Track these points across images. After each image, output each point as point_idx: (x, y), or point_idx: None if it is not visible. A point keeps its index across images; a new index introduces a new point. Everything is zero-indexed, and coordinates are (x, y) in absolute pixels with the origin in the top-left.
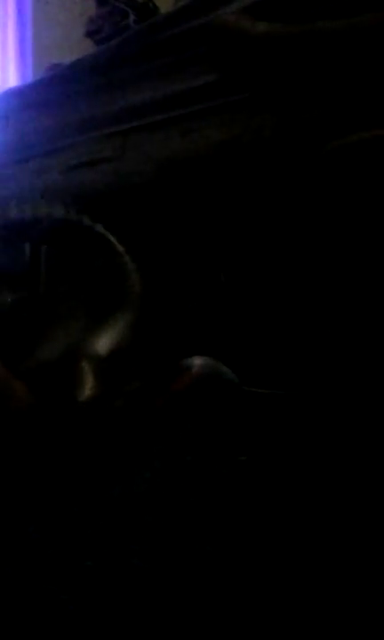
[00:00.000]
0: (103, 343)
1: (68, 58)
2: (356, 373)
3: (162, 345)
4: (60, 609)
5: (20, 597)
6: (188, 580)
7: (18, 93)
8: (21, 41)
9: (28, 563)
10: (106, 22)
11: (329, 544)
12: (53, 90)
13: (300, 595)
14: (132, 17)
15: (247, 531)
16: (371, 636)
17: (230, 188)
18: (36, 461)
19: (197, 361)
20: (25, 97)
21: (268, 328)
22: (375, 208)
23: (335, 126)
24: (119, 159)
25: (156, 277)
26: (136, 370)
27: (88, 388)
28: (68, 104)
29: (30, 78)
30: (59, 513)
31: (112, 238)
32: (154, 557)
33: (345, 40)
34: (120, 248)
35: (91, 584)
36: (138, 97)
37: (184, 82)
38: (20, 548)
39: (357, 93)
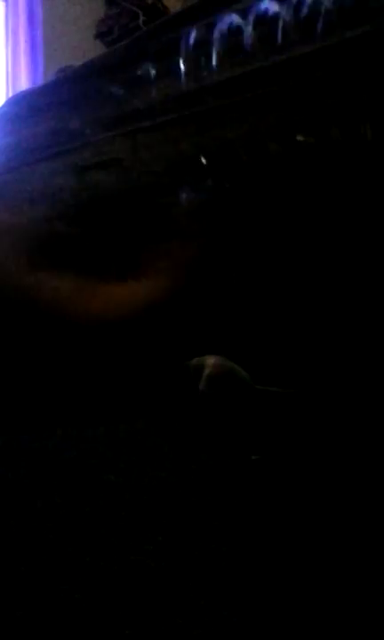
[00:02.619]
0: None
1: (78, 60)
2: (366, 374)
3: (177, 344)
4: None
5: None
6: (200, 577)
7: (29, 96)
8: (32, 44)
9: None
10: (115, 24)
11: (338, 541)
12: (64, 92)
13: (305, 589)
14: (141, 18)
15: (258, 528)
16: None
17: (242, 188)
18: None
19: (211, 360)
20: (36, 99)
21: (281, 328)
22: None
23: (340, 123)
24: (130, 160)
25: (168, 276)
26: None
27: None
28: (78, 105)
29: (42, 81)
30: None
31: None
32: (167, 557)
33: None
34: None
35: (104, 584)
36: (148, 97)
37: (194, 82)
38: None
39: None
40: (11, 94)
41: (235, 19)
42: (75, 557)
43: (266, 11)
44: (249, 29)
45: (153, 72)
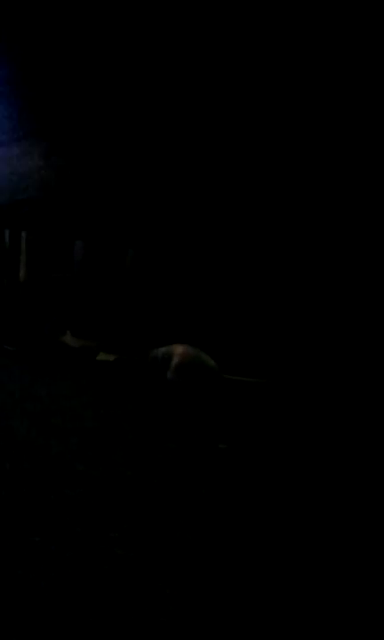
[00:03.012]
0: None
1: None
2: (336, 362)
3: (145, 332)
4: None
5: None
6: (165, 564)
7: None
8: None
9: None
10: None
11: (301, 526)
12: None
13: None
14: None
15: (224, 516)
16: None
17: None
18: None
19: (179, 349)
20: None
21: (249, 317)
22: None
23: None
24: None
25: (137, 264)
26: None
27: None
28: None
29: None
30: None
31: None
32: (133, 544)
33: None
34: None
35: (70, 572)
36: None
37: None
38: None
39: None
40: None
41: None
42: (40, 546)
43: None
44: None
45: None
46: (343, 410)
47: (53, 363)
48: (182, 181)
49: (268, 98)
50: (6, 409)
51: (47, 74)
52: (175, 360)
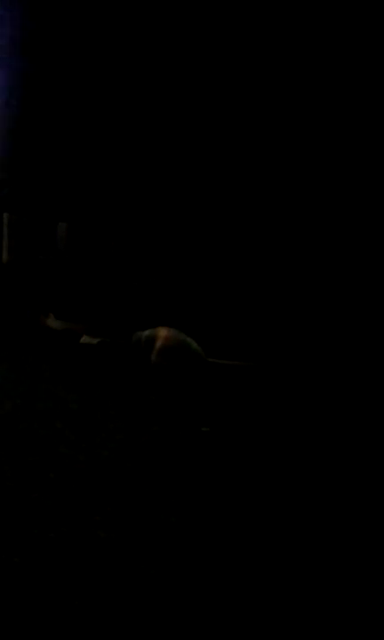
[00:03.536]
0: None
1: None
2: (319, 347)
3: (129, 315)
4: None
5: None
6: (147, 547)
7: None
8: None
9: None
10: None
11: (289, 513)
12: None
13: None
14: None
15: (206, 500)
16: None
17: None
18: None
19: (163, 332)
20: None
21: (234, 301)
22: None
23: None
24: None
25: (127, 248)
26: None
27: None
28: None
29: None
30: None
31: None
32: (115, 527)
33: None
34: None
35: (53, 554)
36: None
37: None
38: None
39: None
40: None
41: None
42: (24, 529)
43: None
44: None
45: None
46: (329, 394)
47: (36, 346)
48: (164, 167)
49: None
50: None
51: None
52: (159, 343)
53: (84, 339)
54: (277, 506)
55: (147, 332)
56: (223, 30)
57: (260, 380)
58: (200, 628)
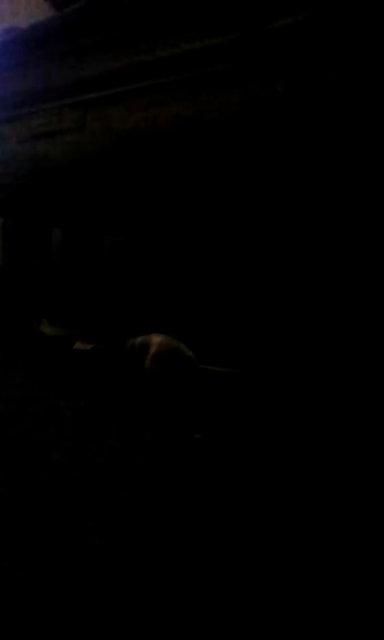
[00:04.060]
0: None
1: (24, 21)
2: (307, 353)
3: (122, 321)
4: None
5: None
6: (140, 554)
7: None
8: None
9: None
10: None
11: (281, 516)
12: (9, 56)
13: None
14: None
15: (199, 506)
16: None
17: (191, 164)
18: None
19: (157, 338)
20: None
21: (227, 308)
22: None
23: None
24: (79, 131)
25: (116, 254)
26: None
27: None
28: (25, 71)
29: None
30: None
31: None
32: (109, 534)
33: None
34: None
35: (46, 561)
36: (100, 66)
37: (149, 53)
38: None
39: None
40: None
41: None
42: (16, 536)
43: None
44: None
45: (106, 39)
46: (321, 401)
47: (30, 351)
48: (157, 175)
49: None
50: None
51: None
52: (152, 349)
53: (78, 345)
54: (271, 512)
55: (140, 339)
56: None
57: (252, 386)
58: (195, 635)
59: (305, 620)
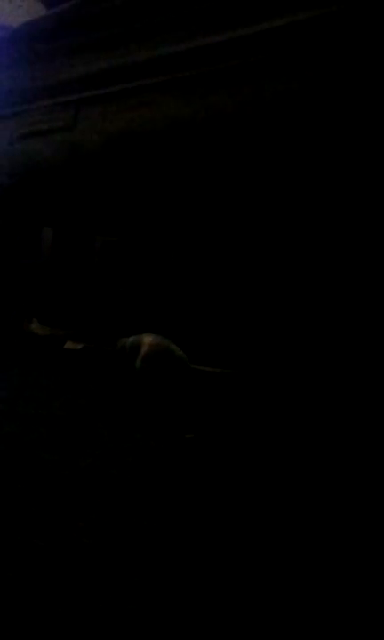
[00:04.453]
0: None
1: (15, 20)
2: (297, 353)
3: (113, 321)
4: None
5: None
6: (130, 554)
7: None
8: None
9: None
10: None
11: (263, 514)
12: (2, 53)
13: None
14: None
15: (189, 506)
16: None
17: (183, 164)
18: None
19: (148, 338)
20: None
21: (218, 308)
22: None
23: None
24: (71, 130)
25: (107, 254)
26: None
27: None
28: (15, 70)
29: None
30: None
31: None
32: (99, 534)
33: None
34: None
35: (36, 561)
36: (93, 65)
37: (142, 52)
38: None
39: None
40: None
41: None
42: (6, 536)
43: None
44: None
45: (99, 38)
46: (310, 399)
47: (20, 351)
48: (148, 175)
49: None
50: None
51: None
52: (143, 349)
53: (68, 344)
54: (263, 512)
55: (131, 339)
56: None
57: (244, 386)
58: (191, 635)
59: (305, 620)
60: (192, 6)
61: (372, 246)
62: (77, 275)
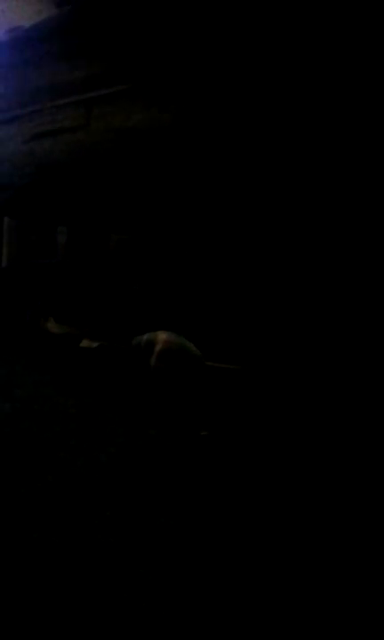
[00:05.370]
0: None
1: (27, 20)
2: (314, 350)
3: (128, 319)
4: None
5: None
6: (145, 552)
7: None
8: None
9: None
10: None
11: (278, 510)
12: (12, 54)
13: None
14: None
15: (205, 503)
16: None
17: (193, 161)
18: None
19: (162, 335)
20: None
21: (232, 305)
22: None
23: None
24: (83, 129)
25: (121, 252)
26: None
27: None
28: (28, 70)
29: None
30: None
31: None
32: (116, 531)
33: None
34: None
35: (52, 558)
36: (104, 64)
37: (148, 53)
38: None
39: None
40: None
41: None
42: (23, 533)
43: None
44: None
45: (110, 37)
46: (325, 396)
47: (36, 350)
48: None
49: None
50: None
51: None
52: (158, 347)
53: (84, 342)
54: (277, 510)
55: (146, 336)
56: None
57: (259, 383)
58: (195, 632)
59: (306, 620)
60: None
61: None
62: (92, 273)
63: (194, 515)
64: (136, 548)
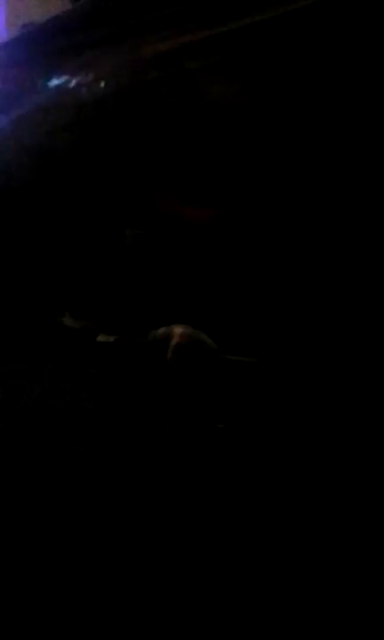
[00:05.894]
0: None
1: (41, 16)
2: (325, 343)
3: (145, 313)
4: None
5: None
6: (161, 548)
7: None
8: None
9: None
10: None
11: (295, 506)
12: (20, 51)
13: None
14: None
15: (222, 497)
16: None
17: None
18: None
19: (178, 329)
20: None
21: (246, 299)
22: None
23: None
24: (88, 125)
25: (137, 246)
26: None
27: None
28: (34, 66)
29: (5, 37)
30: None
31: None
32: (131, 526)
33: None
34: None
35: (64, 550)
36: (105, 60)
37: (167, 43)
38: None
39: None
40: None
41: None
42: (37, 526)
43: None
44: None
45: (123, 31)
46: (344, 390)
47: (53, 344)
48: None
49: None
50: (6, 389)
51: None
52: (174, 340)
53: (101, 337)
54: (293, 504)
55: (162, 330)
56: None
57: (276, 376)
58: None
59: (306, 619)
60: None
61: None
62: (108, 267)
63: (208, 508)
64: (149, 542)
